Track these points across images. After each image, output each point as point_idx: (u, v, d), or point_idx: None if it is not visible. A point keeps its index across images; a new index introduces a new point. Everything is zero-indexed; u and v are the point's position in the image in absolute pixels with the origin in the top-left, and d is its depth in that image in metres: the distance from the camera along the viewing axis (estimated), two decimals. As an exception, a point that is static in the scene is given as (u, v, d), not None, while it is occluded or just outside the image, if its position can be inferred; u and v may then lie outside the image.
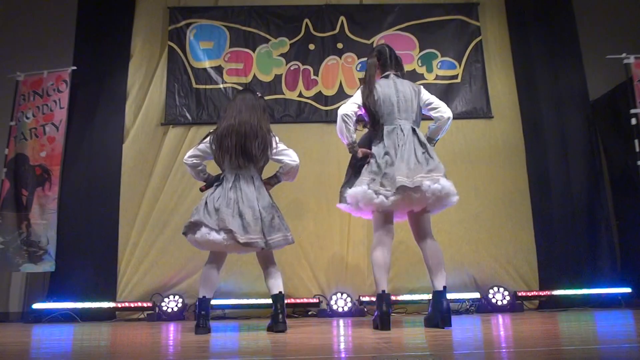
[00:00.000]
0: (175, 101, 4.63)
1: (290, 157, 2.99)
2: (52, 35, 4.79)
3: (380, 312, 2.70)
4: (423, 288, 4.11)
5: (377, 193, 2.71)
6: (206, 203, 2.82)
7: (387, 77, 2.99)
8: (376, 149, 2.84)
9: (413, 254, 4.18)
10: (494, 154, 4.61)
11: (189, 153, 3.01)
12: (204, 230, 2.75)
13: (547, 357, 1.71)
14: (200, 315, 2.80)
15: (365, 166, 2.84)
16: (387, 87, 2.92)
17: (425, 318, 2.86)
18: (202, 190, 3.07)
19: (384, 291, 2.73)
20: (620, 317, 3.30)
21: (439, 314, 2.68)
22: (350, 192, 2.79)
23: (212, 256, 2.92)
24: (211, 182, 3.02)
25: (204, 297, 2.83)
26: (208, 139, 2.97)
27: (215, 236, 2.73)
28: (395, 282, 4.15)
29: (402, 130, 2.83)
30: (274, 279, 2.91)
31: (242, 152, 2.86)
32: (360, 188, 2.75)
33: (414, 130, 2.87)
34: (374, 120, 2.90)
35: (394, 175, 2.69)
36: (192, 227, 2.80)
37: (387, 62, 3.01)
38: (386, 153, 2.79)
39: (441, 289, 2.72)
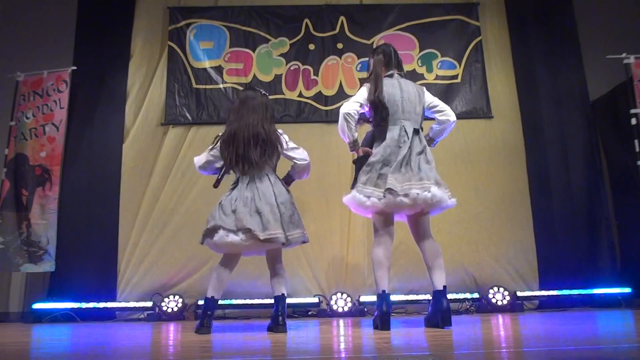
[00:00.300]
0: (175, 101, 4.63)
1: (300, 155, 3.02)
2: (52, 35, 4.79)
3: (381, 312, 2.69)
4: (423, 288, 4.11)
5: (368, 196, 2.73)
6: (221, 206, 2.80)
7: (391, 76, 2.95)
8: (377, 149, 2.82)
9: (413, 254, 4.17)
10: (494, 154, 4.61)
11: (202, 160, 2.97)
12: (221, 232, 2.72)
13: (547, 357, 1.71)
14: (205, 314, 2.80)
15: (364, 166, 2.84)
16: (392, 86, 2.89)
17: (425, 318, 2.86)
18: (215, 186, 3.04)
19: (384, 291, 2.72)
20: (620, 317, 3.30)
21: (439, 313, 2.67)
22: (345, 199, 2.85)
23: (225, 258, 2.90)
24: (222, 175, 3.00)
25: (212, 297, 2.83)
26: (219, 144, 2.92)
27: (234, 237, 2.70)
28: (395, 282, 4.15)
29: (405, 132, 2.81)
30: (279, 280, 2.90)
31: (243, 158, 2.83)
32: (351, 194, 2.81)
33: (416, 131, 2.85)
34: (379, 119, 2.85)
35: (387, 178, 2.71)
36: (210, 233, 2.78)
37: (390, 61, 2.99)
38: (386, 153, 2.77)
39: (441, 288, 2.71)
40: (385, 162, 2.76)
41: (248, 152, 2.83)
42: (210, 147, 2.97)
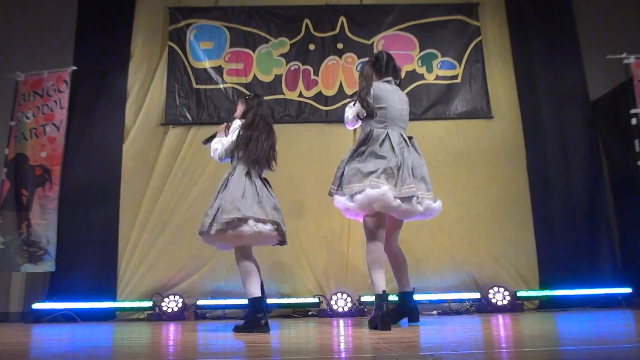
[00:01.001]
0: (176, 101, 4.63)
1: None
2: (52, 35, 4.79)
3: (382, 312, 2.70)
4: (423, 288, 4.11)
5: (394, 197, 2.74)
6: (244, 197, 2.80)
7: (389, 82, 3.02)
8: (384, 152, 2.82)
9: (412, 254, 4.19)
10: (494, 154, 4.61)
11: (224, 149, 2.98)
12: (251, 223, 2.75)
13: (547, 357, 1.71)
14: (258, 314, 2.79)
15: (373, 163, 2.79)
16: (392, 93, 2.97)
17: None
18: (204, 143, 3.20)
19: (384, 291, 2.75)
20: (620, 317, 3.30)
21: (411, 312, 2.98)
22: (372, 193, 2.70)
23: (243, 253, 2.90)
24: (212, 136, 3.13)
25: (260, 296, 2.86)
26: (238, 132, 2.97)
27: (263, 227, 2.79)
28: (395, 283, 4.14)
29: (404, 139, 2.91)
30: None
31: (267, 159, 2.99)
32: (381, 190, 2.71)
33: (410, 139, 2.96)
34: (373, 114, 2.88)
35: (408, 184, 2.76)
36: (238, 223, 2.75)
37: (382, 69, 3.02)
38: (398, 156, 2.81)
39: (411, 290, 3.02)
40: (399, 164, 2.80)
41: (271, 155, 3.01)
42: (233, 135, 2.98)
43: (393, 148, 2.81)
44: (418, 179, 2.85)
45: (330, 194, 2.93)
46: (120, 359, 2.01)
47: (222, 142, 3.01)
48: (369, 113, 2.87)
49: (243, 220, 2.74)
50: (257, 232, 2.76)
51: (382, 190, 2.70)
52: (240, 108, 3.13)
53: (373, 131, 2.88)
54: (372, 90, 2.90)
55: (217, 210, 2.80)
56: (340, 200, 2.85)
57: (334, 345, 2.22)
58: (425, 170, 2.92)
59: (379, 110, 2.89)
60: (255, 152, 2.92)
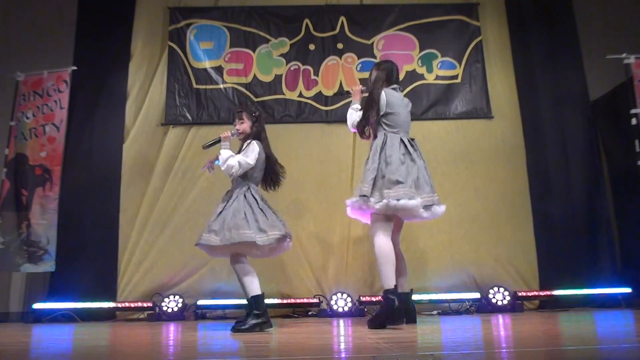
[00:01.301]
0: (176, 101, 4.63)
1: None
2: (52, 35, 4.79)
3: (393, 306, 2.74)
4: (423, 288, 4.12)
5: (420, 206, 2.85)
6: (277, 216, 2.99)
7: (395, 90, 3.12)
8: (404, 156, 2.91)
9: (413, 254, 4.19)
10: (494, 154, 4.61)
11: (241, 169, 2.99)
12: (288, 239, 2.99)
13: (547, 357, 1.71)
14: (264, 312, 2.90)
15: (400, 171, 2.85)
16: (401, 100, 3.10)
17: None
18: (205, 147, 3.22)
19: (395, 286, 2.82)
20: (620, 317, 3.30)
21: (409, 312, 3.00)
22: (408, 204, 2.79)
23: (244, 259, 3.01)
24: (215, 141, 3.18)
25: (262, 293, 2.95)
26: (260, 150, 3.07)
27: (290, 244, 3.04)
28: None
29: (411, 144, 3.00)
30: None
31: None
32: (415, 201, 2.82)
33: (413, 141, 3.05)
34: (379, 116, 3.00)
35: (428, 192, 2.89)
36: (283, 238, 2.95)
37: (391, 77, 3.14)
38: (416, 162, 2.93)
39: (409, 291, 3.09)
40: (412, 170, 2.90)
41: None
42: (253, 158, 3.03)
43: (410, 154, 2.92)
44: (429, 184, 2.95)
45: (363, 194, 2.89)
46: (120, 359, 2.01)
47: (239, 162, 2.98)
48: (377, 112, 2.97)
49: (289, 236, 2.98)
50: (287, 247, 3.02)
51: (417, 201, 2.82)
52: (247, 124, 3.14)
53: (387, 136, 2.97)
54: (383, 96, 3.00)
55: (254, 223, 2.88)
56: (365, 202, 2.87)
57: (334, 345, 2.22)
58: (429, 172, 3.01)
59: (391, 116, 3.00)
60: (276, 177, 3.15)
